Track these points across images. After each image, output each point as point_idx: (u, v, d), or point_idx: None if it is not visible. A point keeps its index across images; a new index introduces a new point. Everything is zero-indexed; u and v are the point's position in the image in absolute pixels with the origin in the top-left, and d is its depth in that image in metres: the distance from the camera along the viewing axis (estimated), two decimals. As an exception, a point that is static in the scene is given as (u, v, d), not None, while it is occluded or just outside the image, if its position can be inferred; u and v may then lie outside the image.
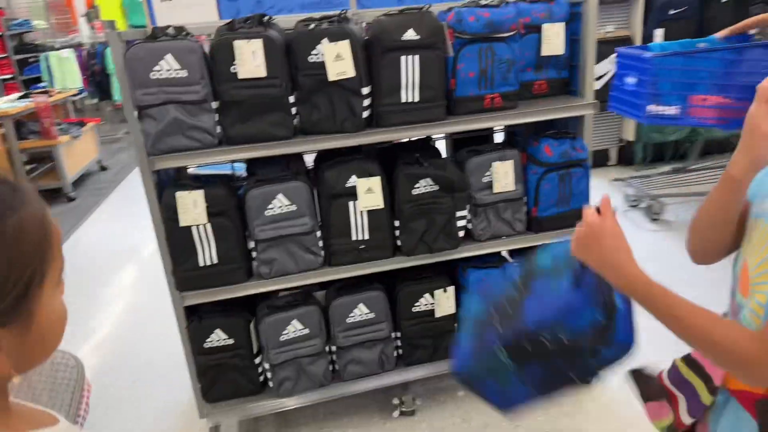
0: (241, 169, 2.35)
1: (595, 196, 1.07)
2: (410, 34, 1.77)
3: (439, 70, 1.82)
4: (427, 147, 2.14)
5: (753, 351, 0.73)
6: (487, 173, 1.96)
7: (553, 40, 2.00)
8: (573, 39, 2.05)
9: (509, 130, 2.46)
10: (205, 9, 2.05)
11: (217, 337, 1.96)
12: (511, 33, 1.85)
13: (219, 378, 1.99)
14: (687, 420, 0.94)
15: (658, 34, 4.49)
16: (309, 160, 2.19)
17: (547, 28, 1.98)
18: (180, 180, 1.93)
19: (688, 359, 0.98)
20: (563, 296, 0.91)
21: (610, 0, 4.35)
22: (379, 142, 1.95)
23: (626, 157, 4.73)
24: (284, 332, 1.98)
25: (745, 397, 0.86)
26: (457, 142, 2.38)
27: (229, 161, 1.96)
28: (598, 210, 0.89)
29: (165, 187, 1.82)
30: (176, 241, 1.81)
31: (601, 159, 4.69)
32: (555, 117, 1.97)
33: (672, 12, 4.49)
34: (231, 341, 1.96)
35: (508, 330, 0.96)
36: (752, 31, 1.49)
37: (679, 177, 4.11)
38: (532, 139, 2.02)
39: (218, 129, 1.77)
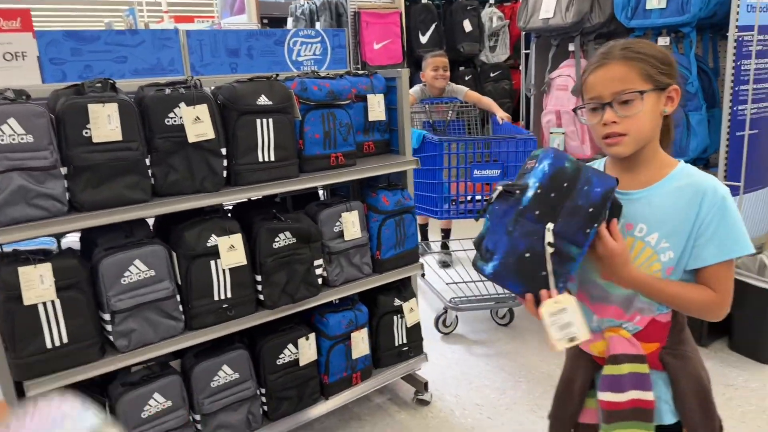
0: (52, 244, 2.15)
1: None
2: (263, 100, 1.92)
3: (291, 132, 1.99)
4: (273, 203, 2.26)
5: (717, 303, 1.14)
6: (338, 223, 2.16)
7: (376, 108, 2.34)
8: (390, 108, 2.42)
9: (331, 187, 2.73)
10: (25, 72, 1.91)
11: (66, 429, 1.73)
12: (348, 101, 2.13)
13: (71, 476, 1.74)
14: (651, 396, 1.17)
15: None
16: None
17: (371, 98, 2.31)
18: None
19: (612, 359, 1.17)
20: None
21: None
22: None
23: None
24: (145, 409, 1.85)
25: (652, 358, 1.17)
26: (293, 198, 2.54)
27: (81, 229, 1.81)
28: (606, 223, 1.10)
29: (-2, 264, 1.60)
30: (17, 323, 1.59)
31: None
32: (388, 172, 2.29)
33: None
34: (83, 430, 1.75)
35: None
36: None
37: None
38: (370, 191, 2.30)
39: (67, 195, 1.65)
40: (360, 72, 2.34)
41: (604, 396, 1.19)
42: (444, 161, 3.03)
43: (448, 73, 3.79)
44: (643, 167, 1.17)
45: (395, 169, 2.30)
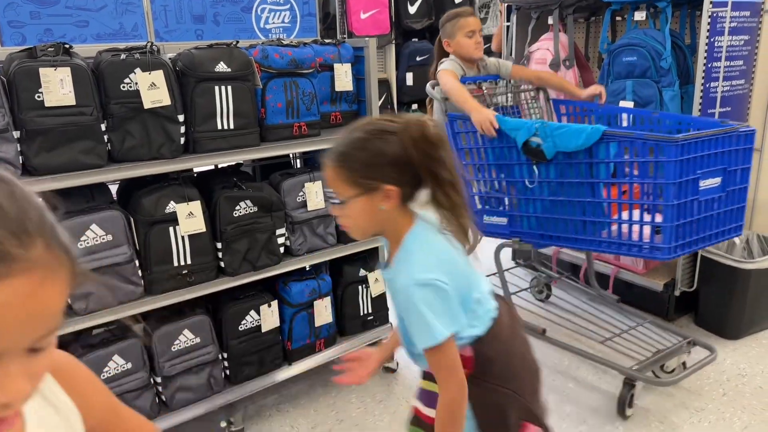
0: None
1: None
2: (222, 67, 1.91)
3: (251, 100, 1.99)
4: (237, 172, 2.27)
5: (449, 396, 1.16)
6: (301, 193, 2.18)
7: (343, 78, 2.33)
8: (358, 78, 2.41)
9: (305, 157, 2.73)
10: (-18, 34, 1.90)
11: (24, 388, 1.77)
12: (311, 70, 2.12)
13: (29, 433, 1.80)
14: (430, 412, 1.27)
15: (408, 77, 5.31)
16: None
17: (338, 67, 2.30)
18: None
19: (425, 375, 1.31)
20: None
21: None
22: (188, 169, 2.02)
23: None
24: (104, 370, 1.89)
25: None
26: (262, 168, 2.55)
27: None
28: None
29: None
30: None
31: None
32: (352, 142, 2.28)
33: (418, 58, 5.34)
34: (41, 390, 1.80)
35: None
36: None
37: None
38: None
39: (21, 159, 1.66)
40: (327, 41, 2.32)
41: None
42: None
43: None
44: (394, 248, 1.22)
45: (360, 139, 2.30)
